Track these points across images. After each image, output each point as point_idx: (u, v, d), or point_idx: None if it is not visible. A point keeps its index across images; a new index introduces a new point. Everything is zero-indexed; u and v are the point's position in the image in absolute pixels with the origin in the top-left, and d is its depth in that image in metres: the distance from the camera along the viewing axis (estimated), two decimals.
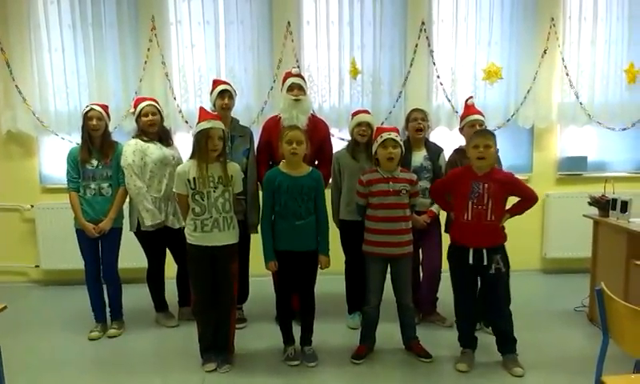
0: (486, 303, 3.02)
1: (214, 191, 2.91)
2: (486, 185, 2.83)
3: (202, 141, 2.88)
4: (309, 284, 3.09)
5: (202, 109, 3.03)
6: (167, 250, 3.69)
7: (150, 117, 3.44)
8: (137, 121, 3.50)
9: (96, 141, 3.44)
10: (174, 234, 3.49)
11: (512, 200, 2.99)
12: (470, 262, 2.86)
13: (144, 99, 3.57)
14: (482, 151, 2.81)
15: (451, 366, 3.01)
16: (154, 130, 3.47)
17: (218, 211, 2.92)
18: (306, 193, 2.94)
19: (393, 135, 2.99)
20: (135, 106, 3.53)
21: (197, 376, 2.96)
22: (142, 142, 3.45)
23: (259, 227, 3.08)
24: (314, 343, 3.15)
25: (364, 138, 3.41)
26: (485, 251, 2.84)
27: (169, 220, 3.50)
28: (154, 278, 3.68)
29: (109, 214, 3.43)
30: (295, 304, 3.23)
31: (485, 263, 2.85)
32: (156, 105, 3.52)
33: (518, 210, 2.96)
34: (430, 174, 3.48)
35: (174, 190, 3.05)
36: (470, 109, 3.47)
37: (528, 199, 2.94)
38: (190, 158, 2.98)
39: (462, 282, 2.98)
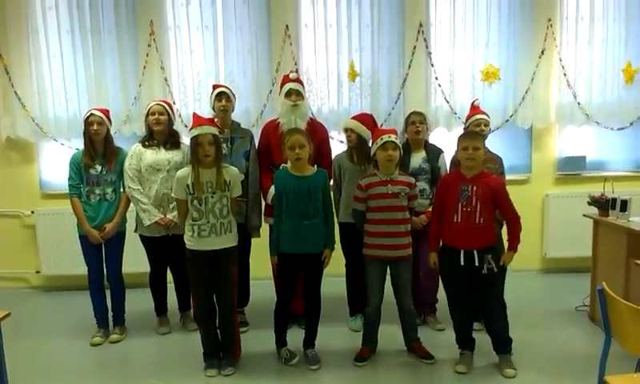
0: (479, 304, 3.01)
1: (212, 197, 2.91)
2: (474, 187, 2.83)
3: (193, 147, 2.90)
4: (315, 286, 3.09)
5: (194, 115, 3.03)
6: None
7: (157, 116, 3.45)
8: (145, 119, 3.51)
9: (98, 146, 3.44)
10: (174, 241, 3.46)
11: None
12: (462, 263, 2.85)
13: (158, 100, 3.59)
14: (471, 153, 2.82)
15: (452, 367, 3.01)
16: (160, 129, 3.46)
17: (215, 217, 2.92)
18: (313, 192, 2.95)
19: (392, 138, 3.01)
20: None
21: (199, 381, 2.97)
22: (141, 147, 3.47)
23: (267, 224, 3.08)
24: (316, 346, 3.16)
25: (350, 143, 3.46)
26: (475, 252, 2.84)
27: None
28: (153, 281, 3.67)
29: (114, 219, 3.44)
30: (299, 307, 3.23)
31: (476, 264, 2.85)
32: (165, 105, 3.52)
33: (513, 240, 2.88)
34: (429, 175, 3.49)
35: (172, 194, 3.05)
36: (475, 109, 3.54)
37: (511, 221, 2.89)
38: (189, 163, 2.99)
39: (454, 284, 2.98)
